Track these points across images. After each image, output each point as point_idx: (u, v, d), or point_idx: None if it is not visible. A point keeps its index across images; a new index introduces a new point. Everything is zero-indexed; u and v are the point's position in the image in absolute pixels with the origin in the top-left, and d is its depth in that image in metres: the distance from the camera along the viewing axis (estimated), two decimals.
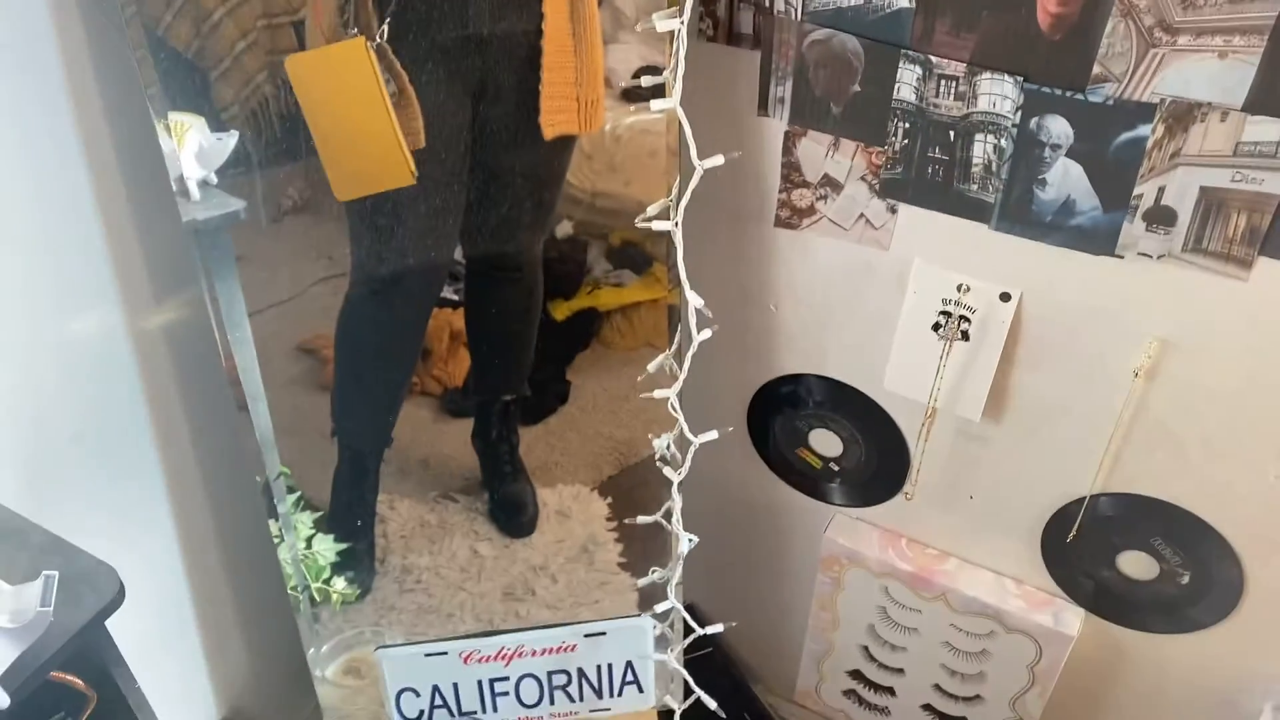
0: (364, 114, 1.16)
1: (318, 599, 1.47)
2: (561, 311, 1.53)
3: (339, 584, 1.49)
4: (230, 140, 1.20)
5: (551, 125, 1.25)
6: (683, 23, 1.14)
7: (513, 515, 1.56)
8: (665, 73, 1.19)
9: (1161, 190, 1.08)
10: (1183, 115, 1.03)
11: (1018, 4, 1.05)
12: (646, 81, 1.19)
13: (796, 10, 1.18)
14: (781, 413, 1.54)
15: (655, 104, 1.17)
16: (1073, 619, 1.43)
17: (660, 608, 1.50)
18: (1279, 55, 0.96)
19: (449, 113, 1.22)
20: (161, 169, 1.13)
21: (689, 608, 1.59)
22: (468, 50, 1.20)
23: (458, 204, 1.29)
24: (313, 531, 1.45)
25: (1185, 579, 1.32)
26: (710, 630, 1.48)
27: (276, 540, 1.40)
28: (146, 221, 1.23)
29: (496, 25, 1.20)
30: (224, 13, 1.22)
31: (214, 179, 1.21)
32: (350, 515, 1.47)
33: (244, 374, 1.29)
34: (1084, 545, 1.37)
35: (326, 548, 1.48)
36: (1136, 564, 1.35)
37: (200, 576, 1.51)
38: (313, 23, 1.17)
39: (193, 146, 1.20)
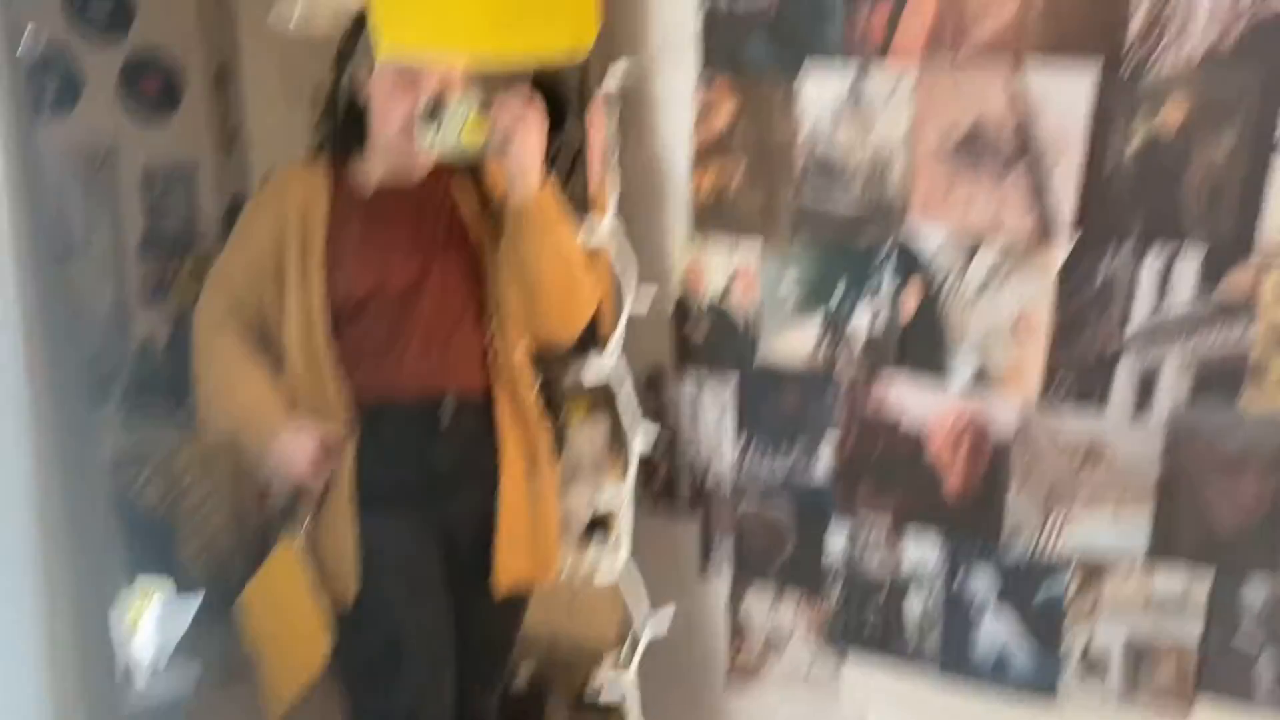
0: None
1: None
2: None
3: None
4: (193, 604, 1.24)
5: (506, 575, 1.27)
6: (625, 499, 1.23)
7: None
8: (610, 540, 1.27)
9: (1089, 639, 1.12)
10: (1093, 569, 1.10)
11: (927, 475, 1.15)
12: (592, 556, 1.26)
13: (729, 482, 1.28)
14: None
15: (599, 578, 1.24)
16: None
17: None
18: (1166, 513, 1.05)
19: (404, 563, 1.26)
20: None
21: None
22: (425, 500, 1.25)
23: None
24: None
25: None
26: None
27: None
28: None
29: (455, 476, 1.26)
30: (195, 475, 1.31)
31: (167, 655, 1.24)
32: None
33: None
34: None
35: None
36: None
37: None
38: None
39: (155, 614, 1.24)
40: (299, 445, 1.19)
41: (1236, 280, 0.98)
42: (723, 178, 1.21)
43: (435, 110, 1.13)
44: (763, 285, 1.21)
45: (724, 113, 1.19)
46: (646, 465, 1.35)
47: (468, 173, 1.33)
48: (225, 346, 1.24)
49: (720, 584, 1.33)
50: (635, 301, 1.21)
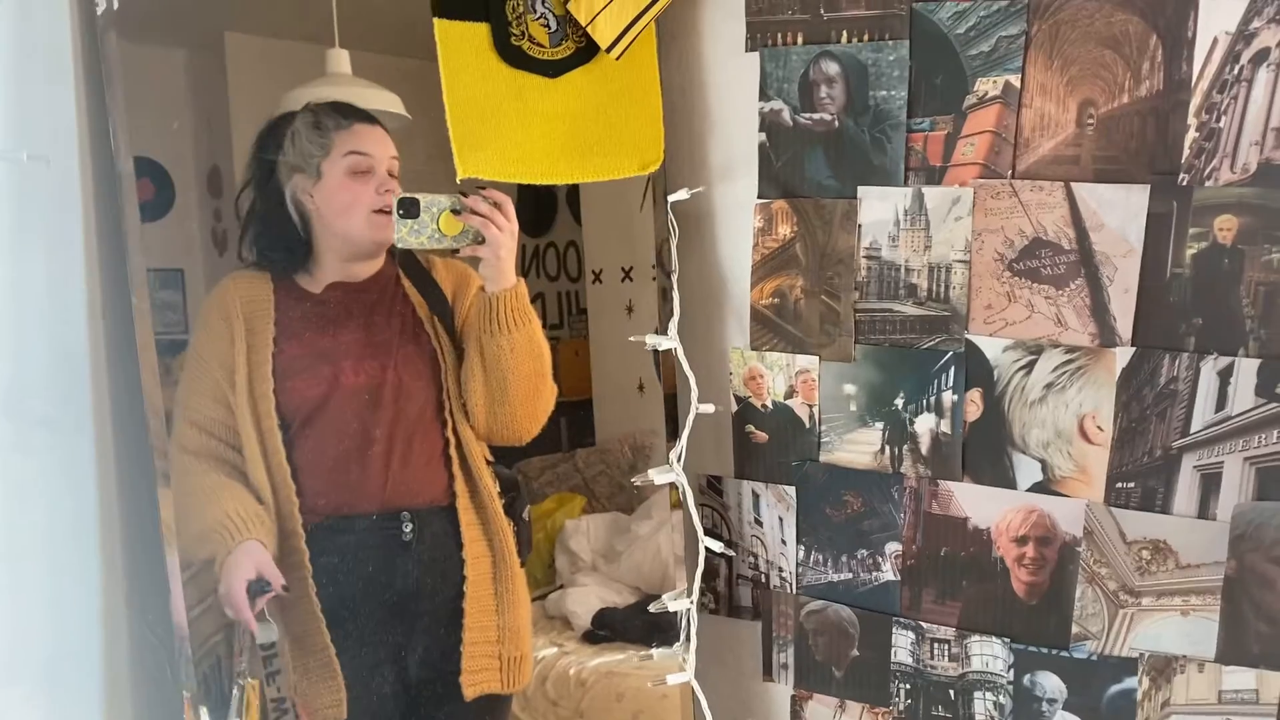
0: None
1: None
2: None
3: None
4: None
5: (473, 685, 1.26)
6: (691, 603, 1.24)
7: None
8: (676, 646, 1.26)
9: None
10: (1163, 667, 1.12)
11: (994, 574, 1.18)
12: (657, 661, 1.25)
13: (791, 584, 1.29)
14: None
15: (672, 678, 1.23)
16: None
17: None
18: (1235, 612, 1.08)
19: (372, 676, 1.23)
20: None
21: None
22: (390, 615, 1.23)
23: None
24: None
25: None
26: None
27: None
28: None
29: (420, 588, 1.24)
30: None
31: None
32: None
33: None
34: None
35: None
36: None
37: None
38: None
39: None
40: (238, 567, 1.14)
41: None
42: (783, 288, 1.25)
43: (410, 206, 1.16)
44: (823, 391, 1.24)
45: (784, 227, 1.24)
46: (707, 568, 1.36)
47: (417, 269, 1.33)
48: (198, 474, 1.20)
49: (783, 689, 1.33)
50: (699, 404, 1.23)
